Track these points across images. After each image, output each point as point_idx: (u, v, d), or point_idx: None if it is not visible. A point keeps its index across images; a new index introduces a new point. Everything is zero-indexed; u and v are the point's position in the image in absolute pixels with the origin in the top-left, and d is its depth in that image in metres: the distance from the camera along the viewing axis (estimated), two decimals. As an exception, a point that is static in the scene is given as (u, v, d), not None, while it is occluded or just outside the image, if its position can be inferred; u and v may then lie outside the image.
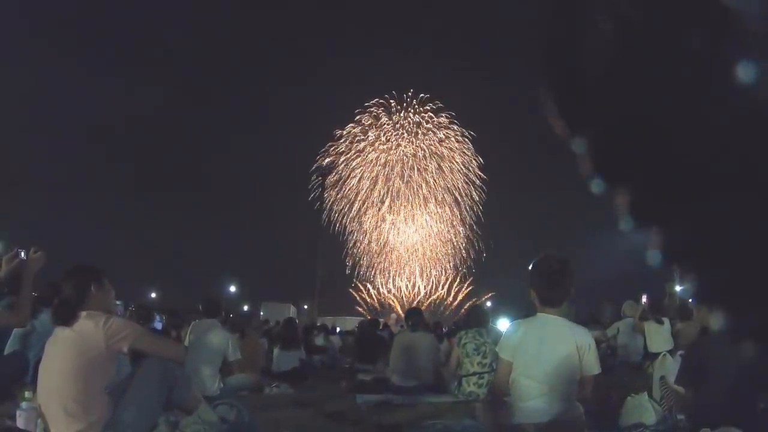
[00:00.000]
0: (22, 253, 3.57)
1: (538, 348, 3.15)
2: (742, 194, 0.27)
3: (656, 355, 6.55)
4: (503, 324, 8.21)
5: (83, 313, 3.13)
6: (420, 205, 35.11)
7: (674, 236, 0.31)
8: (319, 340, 13.04)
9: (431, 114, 35.91)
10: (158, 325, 10.68)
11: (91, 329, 3.04)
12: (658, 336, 8.08)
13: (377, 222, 34.65)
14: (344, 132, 35.57)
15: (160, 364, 3.23)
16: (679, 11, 0.28)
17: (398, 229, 34.15)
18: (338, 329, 18.68)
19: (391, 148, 35.40)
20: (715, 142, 0.27)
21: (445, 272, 32.54)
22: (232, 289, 39.16)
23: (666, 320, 8.19)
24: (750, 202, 0.27)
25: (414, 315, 7.60)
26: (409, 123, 35.83)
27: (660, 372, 4.35)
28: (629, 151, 0.31)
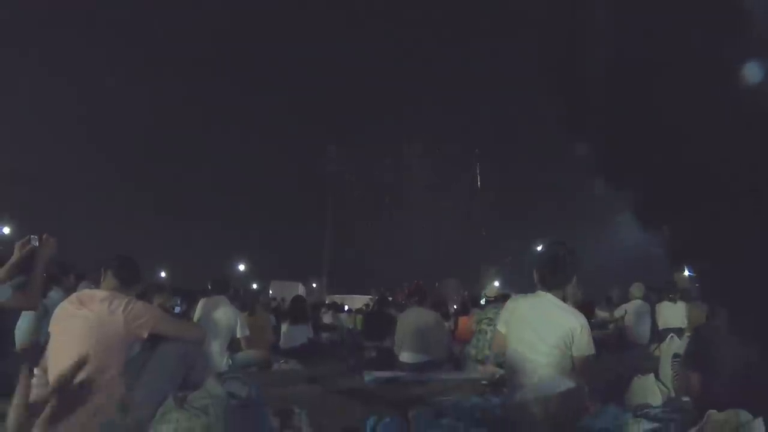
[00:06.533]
0: (34, 240, 3.62)
1: (532, 322, 3.25)
2: (744, 196, 0.26)
3: (664, 335, 6.54)
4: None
5: (104, 294, 3.11)
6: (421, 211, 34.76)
7: (677, 237, 0.30)
8: (327, 318, 13.12)
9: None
10: (177, 310, 10.74)
11: (112, 312, 3.01)
12: (670, 311, 8.14)
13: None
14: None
15: (179, 348, 3.20)
16: (681, 15, 0.26)
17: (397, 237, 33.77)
18: (347, 308, 18.76)
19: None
20: (718, 144, 0.26)
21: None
22: (241, 267, 39.37)
23: (680, 301, 8.24)
24: (751, 203, 0.26)
25: (420, 291, 7.61)
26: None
27: (667, 353, 4.34)
28: (631, 154, 0.30)
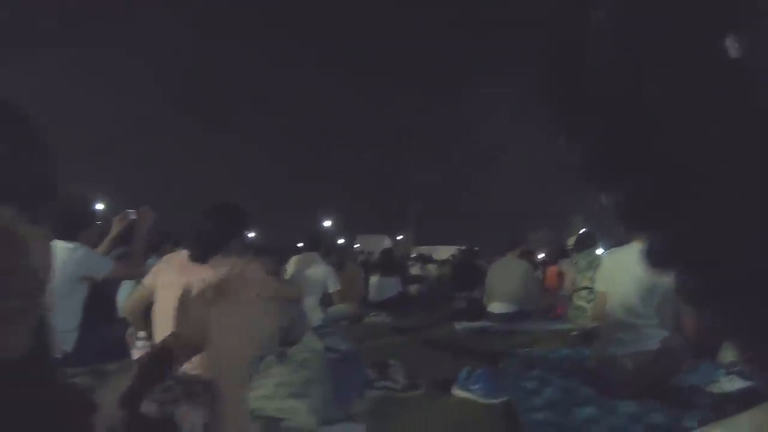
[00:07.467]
0: (132, 214, 3.75)
1: (635, 275, 3.13)
2: (737, 198, 0.28)
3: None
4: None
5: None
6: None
7: (664, 241, 0.31)
8: (415, 270, 13.23)
9: None
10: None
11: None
12: None
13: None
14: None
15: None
16: (681, 14, 0.28)
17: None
18: (433, 258, 18.79)
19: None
20: (712, 144, 0.27)
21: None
22: (327, 223, 40.12)
23: None
24: (744, 206, 0.28)
25: (512, 241, 7.57)
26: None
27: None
28: (622, 154, 0.30)
